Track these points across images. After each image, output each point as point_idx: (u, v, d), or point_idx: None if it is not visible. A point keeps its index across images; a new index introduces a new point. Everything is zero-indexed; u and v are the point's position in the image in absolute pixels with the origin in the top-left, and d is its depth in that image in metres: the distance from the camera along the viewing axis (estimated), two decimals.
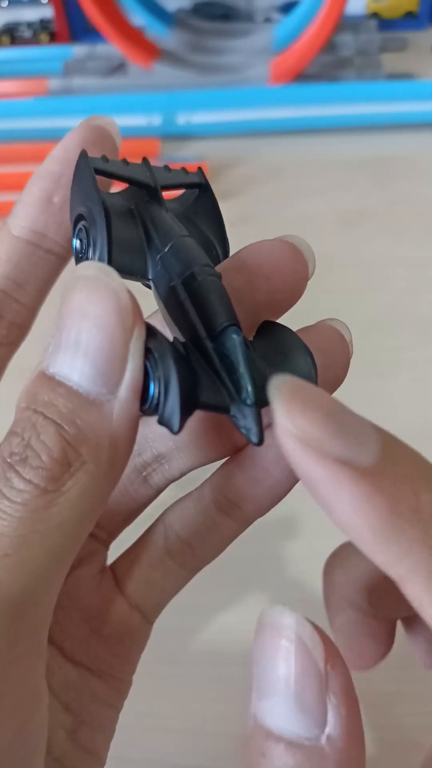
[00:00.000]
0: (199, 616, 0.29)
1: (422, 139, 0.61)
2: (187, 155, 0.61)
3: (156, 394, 0.12)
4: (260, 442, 0.13)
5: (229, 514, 0.16)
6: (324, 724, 0.11)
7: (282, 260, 0.15)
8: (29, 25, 0.88)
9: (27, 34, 0.88)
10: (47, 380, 0.12)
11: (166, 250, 0.14)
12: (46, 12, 0.87)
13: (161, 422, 0.12)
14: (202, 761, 0.26)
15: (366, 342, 0.42)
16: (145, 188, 0.15)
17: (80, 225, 0.15)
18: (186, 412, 0.12)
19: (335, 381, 0.16)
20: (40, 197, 0.15)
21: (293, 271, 0.15)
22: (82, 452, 0.12)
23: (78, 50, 0.77)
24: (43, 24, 0.88)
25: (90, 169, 0.15)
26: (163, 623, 0.19)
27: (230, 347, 0.13)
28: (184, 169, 0.17)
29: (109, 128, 0.16)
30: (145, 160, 0.16)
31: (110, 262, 0.14)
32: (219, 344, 0.13)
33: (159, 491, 0.18)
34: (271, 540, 0.32)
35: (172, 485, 0.18)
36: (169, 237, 0.15)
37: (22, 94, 0.71)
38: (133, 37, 0.70)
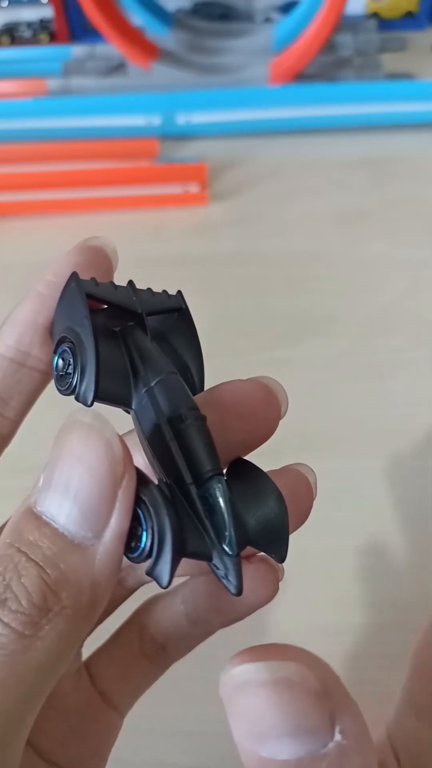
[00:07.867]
0: None
1: (421, 139, 0.62)
2: (186, 155, 0.61)
3: (148, 547, 0.13)
4: (239, 594, 0.13)
5: (198, 624, 0.18)
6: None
7: (256, 402, 0.16)
8: (29, 25, 0.88)
9: (27, 34, 0.88)
10: (34, 519, 0.12)
11: (153, 384, 0.15)
12: (46, 12, 0.87)
13: (150, 574, 0.13)
14: (201, 762, 0.26)
15: (365, 342, 0.42)
16: (130, 315, 0.16)
17: (65, 346, 0.15)
18: (176, 566, 0.13)
19: (297, 525, 0.17)
20: (26, 318, 0.16)
21: (266, 413, 0.16)
22: (62, 597, 0.12)
23: (77, 50, 0.77)
24: (43, 24, 0.88)
25: (81, 294, 0.15)
26: None
27: (215, 496, 0.14)
28: (165, 292, 0.17)
29: (105, 249, 0.17)
30: (130, 283, 0.17)
31: (97, 390, 0.14)
32: (203, 490, 0.14)
33: (132, 592, 0.19)
34: None
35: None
36: (157, 372, 0.15)
37: (22, 94, 0.71)
38: (133, 37, 0.70)
